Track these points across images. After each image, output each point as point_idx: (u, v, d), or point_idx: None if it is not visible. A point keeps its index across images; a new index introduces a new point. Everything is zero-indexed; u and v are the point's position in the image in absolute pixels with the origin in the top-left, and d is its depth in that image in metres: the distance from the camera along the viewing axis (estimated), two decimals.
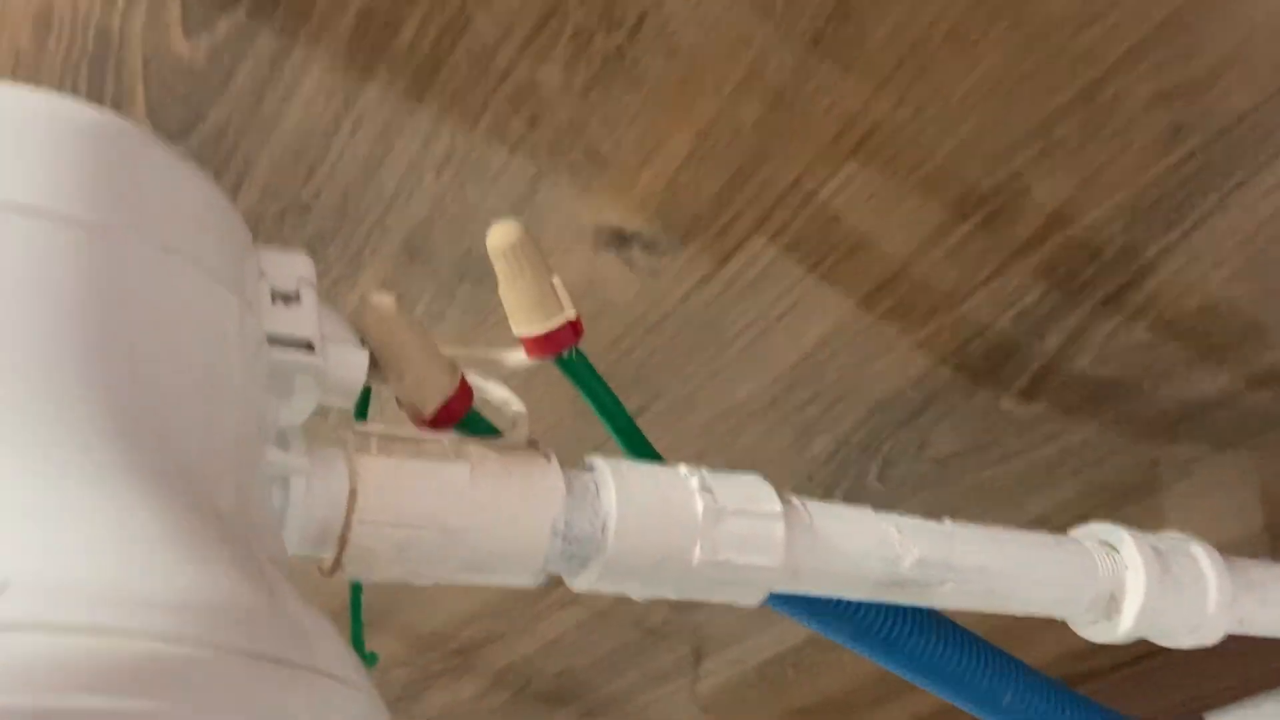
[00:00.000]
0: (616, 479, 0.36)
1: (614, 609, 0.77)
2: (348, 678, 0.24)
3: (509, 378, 0.40)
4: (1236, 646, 0.76)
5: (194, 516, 0.24)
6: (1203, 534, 0.50)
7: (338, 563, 0.32)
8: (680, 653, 0.83)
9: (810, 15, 0.38)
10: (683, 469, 0.38)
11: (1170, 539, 0.48)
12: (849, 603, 0.45)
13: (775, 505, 0.38)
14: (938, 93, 0.40)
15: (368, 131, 0.42)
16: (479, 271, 0.49)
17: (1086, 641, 0.79)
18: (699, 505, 0.37)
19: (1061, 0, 0.37)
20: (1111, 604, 0.46)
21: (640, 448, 0.41)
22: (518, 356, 0.39)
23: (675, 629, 0.80)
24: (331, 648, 0.24)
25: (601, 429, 0.58)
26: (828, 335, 0.52)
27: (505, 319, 0.51)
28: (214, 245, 0.29)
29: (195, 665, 0.21)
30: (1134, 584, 0.45)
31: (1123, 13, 0.38)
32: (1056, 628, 0.76)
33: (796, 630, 0.80)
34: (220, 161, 0.44)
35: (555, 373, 0.54)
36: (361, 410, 0.38)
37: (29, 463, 0.22)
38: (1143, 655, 0.78)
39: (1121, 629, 0.46)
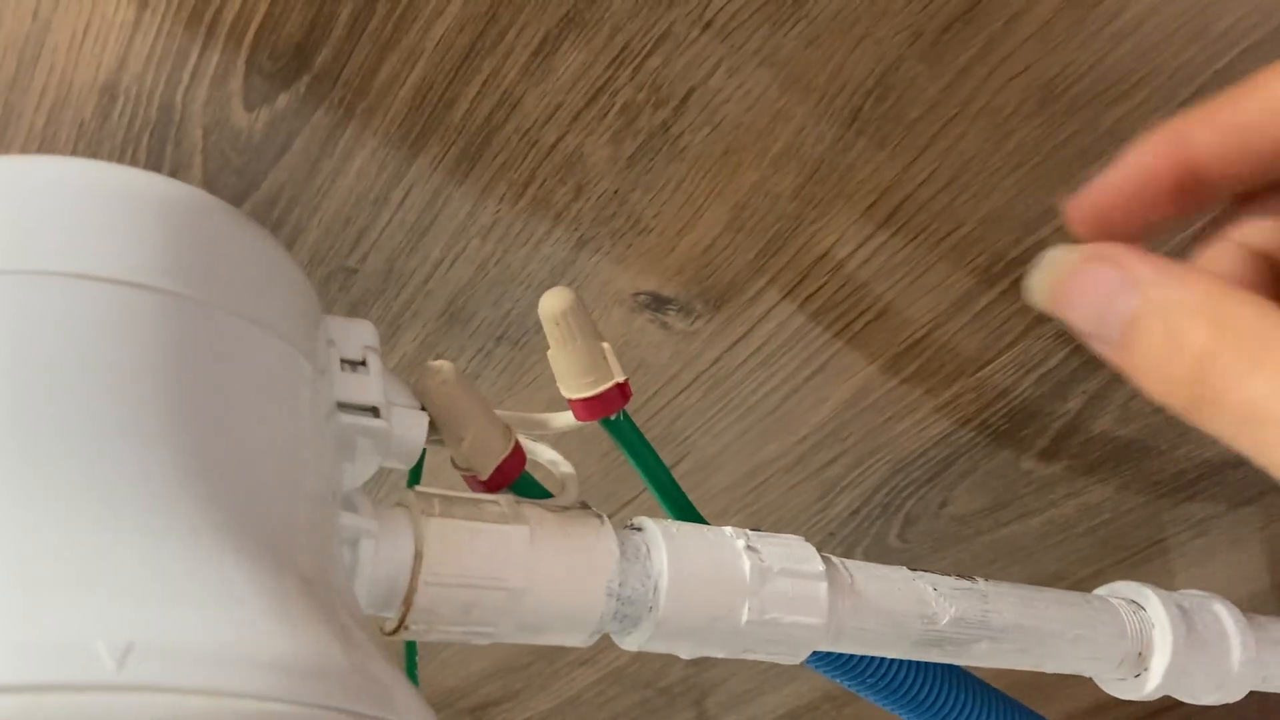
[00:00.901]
0: (667, 540, 0.37)
1: (628, 668, 0.78)
2: None
3: (552, 440, 0.41)
4: (1257, 702, 0.77)
5: (284, 579, 0.25)
6: (1217, 591, 0.51)
7: (402, 623, 0.33)
8: (693, 713, 0.83)
9: (850, 92, 0.40)
10: (728, 530, 0.39)
11: (1193, 596, 0.49)
12: (880, 660, 0.46)
13: (819, 565, 0.39)
14: (969, 165, 0.42)
15: (416, 200, 0.44)
16: (517, 333, 0.50)
17: (1107, 695, 0.79)
18: (746, 565, 0.38)
19: (1090, 80, 0.39)
20: (1139, 662, 0.47)
21: (684, 509, 0.42)
22: (565, 418, 0.40)
23: (688, 688, 0.80)
24: (412, 702, 0.25)
25: (630, 487, 0.59)
26: (853, 397, 0.53)
27: (540, 380, 0.53)
28: (291, 315, 0.31)
29: None
30: (1161, 642, 0.46)
31: (1149, 91, 0.39)
32: (1077, 681, 0.76)
33: (808, 689, 0.80)
34: (271, 227, 0.45)
35: (584, 432, 0.56)
36: (415, 474, 0.38)
37: (139, 531, 0.23)
38: (1161, 709, 0.79)
39: (1149, 686, 0.47)
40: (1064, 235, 0.45)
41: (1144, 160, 0.25)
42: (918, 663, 0.47)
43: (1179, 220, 0.25)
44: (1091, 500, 0.59)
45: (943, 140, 0.41)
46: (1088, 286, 0.24)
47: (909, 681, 0.47)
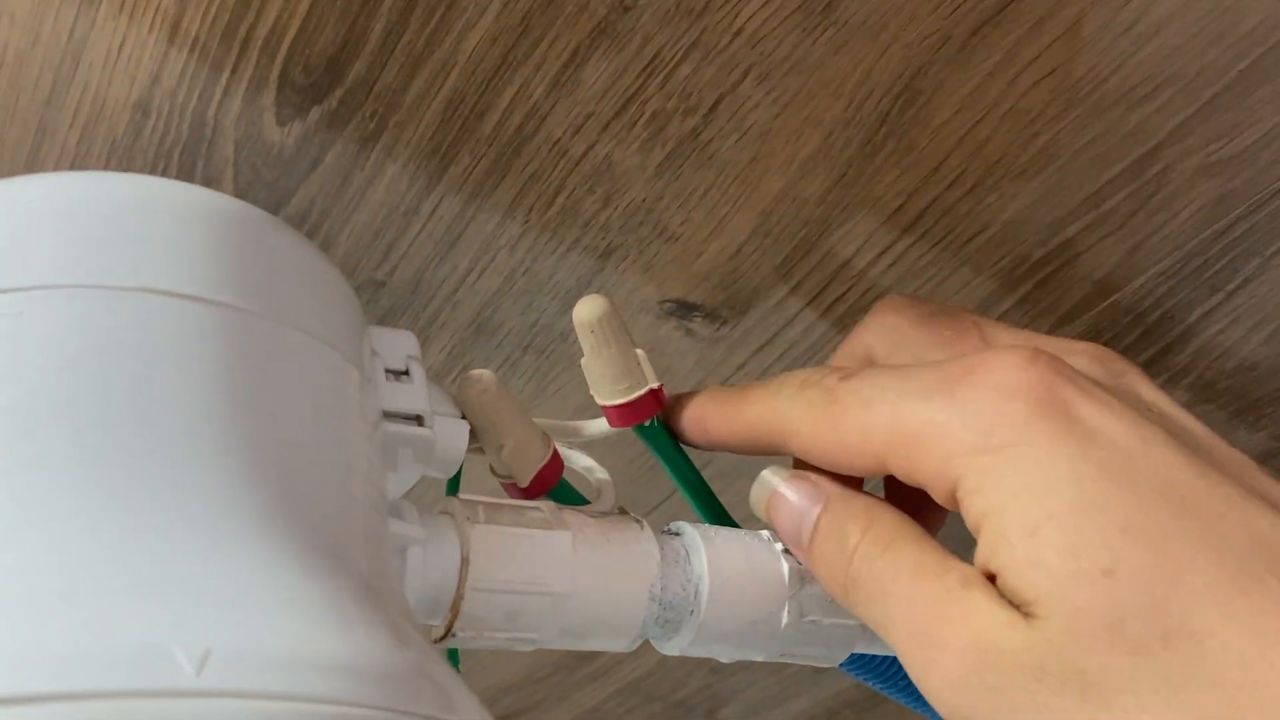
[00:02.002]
0: (705, 543, 0.37)
1: (647, 679, 0.78)
2: None
3: (584, 447, 0.41)
4: None
5: (344, 585, 0.25)
6: None
7: (449, 630, 0.33)
8: None
9: (878, 97, 0.40)
10: (765, 533, 0.39)
11: None
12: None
13: None
14: (995, 168, 0.42)
15: (446, 212, 0.44)
16: (544, 342, 0.50)
17: None
18: (785, 568, 0.38)
19: (1115, 81, 0.40)
20: None
21: (718, 515, 0.42)
22: (599, 425, 0.41)
23: (707, 698, 0.80)
24: (470, 704, 0.26)
25: (654, 493, 0.59)
26: None
27: (567, 389, 0.53)
28: (339, 325, 0.31)
29: None
30: None
31: (1173, 92, 0.40)
32: None
33: (829, 695, 0.80)
34: None
35: (607, 439, 0.56)
36: (454, 483, 0.39)
37: (204, 538, 0.24)
38: None
39: None
40: (1089, 235, 0.45)
41: None
42: None
43: None
44: None
45: (969, 143, 0.41)
46: (788, 503, 0.33)
47: None
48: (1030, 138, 0.41)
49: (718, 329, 0.50)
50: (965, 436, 0.27)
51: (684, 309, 0.49)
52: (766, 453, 0.35)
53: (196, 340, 0.27)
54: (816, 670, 0.75)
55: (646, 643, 0.78)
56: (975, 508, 0.27)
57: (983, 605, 0.26)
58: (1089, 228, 0.45)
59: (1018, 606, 0.26)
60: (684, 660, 0.75)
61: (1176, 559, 0.24)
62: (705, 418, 0.36)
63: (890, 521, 0.30)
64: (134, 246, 0.27)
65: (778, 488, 0.34)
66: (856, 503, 0.31)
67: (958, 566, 0.28)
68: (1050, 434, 0.26)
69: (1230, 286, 0.47)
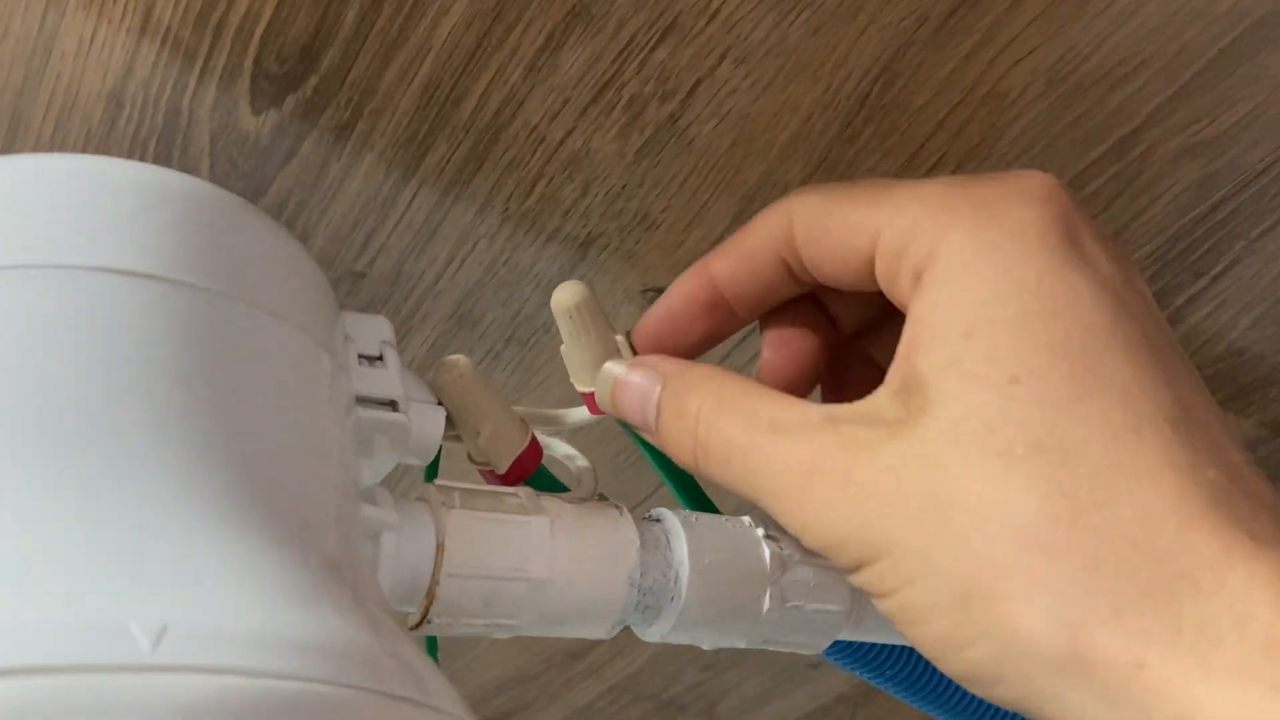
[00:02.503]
0: (686, 529, 0.37)
1: (639, 676, 0.78)
2: (461, 713, 0.25)
3: (566, 437, 0.41)
4: None
5: (312, 566, 0.25)
6: None
7: (425, 617, 0.33)
8: None
9: (856, 79, 0.40)
10: (747, 519, 0.39)
11: None
12: (901, 651, 0.46)
13: None
14: (976, 151, 0.42)
15: (424, 201, 0.44)
16: (526, 333, 0.50)
17: None
18: (766, 554, 0.38)
19: (1095, 62, 0.39)
20: None
21: (700, 502, 0.41)
22: (580, 414, 0.40)
23: (700, 695, 0.80)
24: (443, 687, 0.25)
25: (641, 488, 0.59)
26: None
27: (550, 380, 0.53)
28: (310, 308, 0.31)
29: (342, 705, 0.21)
30: None
31: (1153, 72, 0.40)
32: None
33: (823, 691, 0.80)
34: None
35: (595, 433, 0.55)
36: (432, 471, 0.38)
37: (166, 518, 0.23)
38: None
39: None
40: None
41: (683, 289, 0.32)
42: None
43: (718, 335, 0.33)
44: None
45: (950, 125, 0.41)
46: (630, 389, 0.32)
47: (930, 672, 0.47)
48: (1011, 120, 0.41)
49: None
50: (967, 217, 0.25)
51: None
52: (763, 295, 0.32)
53: (157, 320, 0.26)
54: (810, 665, 0.75)
55: (637, 640, 0.77)
56: (930, 298, 0.25)
57: (845, 426, 0.25)
58: None
59: (908, 410, 0.25)
60: (676, 657, 0.74)
61: (1083, 389, 0.23)
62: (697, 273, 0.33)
63: (728, 382, 0.29)
64: (91, 225, 0.27)
65: (618, 375, 0.33)
66: (693, 374, 0.30)
67: (801, 404, 0.27)
68: (1054, 250, 0.24)
69: (1215, 270, 0.47)
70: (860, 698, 0.78)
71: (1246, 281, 0.47)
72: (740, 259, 0.31)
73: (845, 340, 0.34)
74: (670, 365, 0.31)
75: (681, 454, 0.31)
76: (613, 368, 0.33)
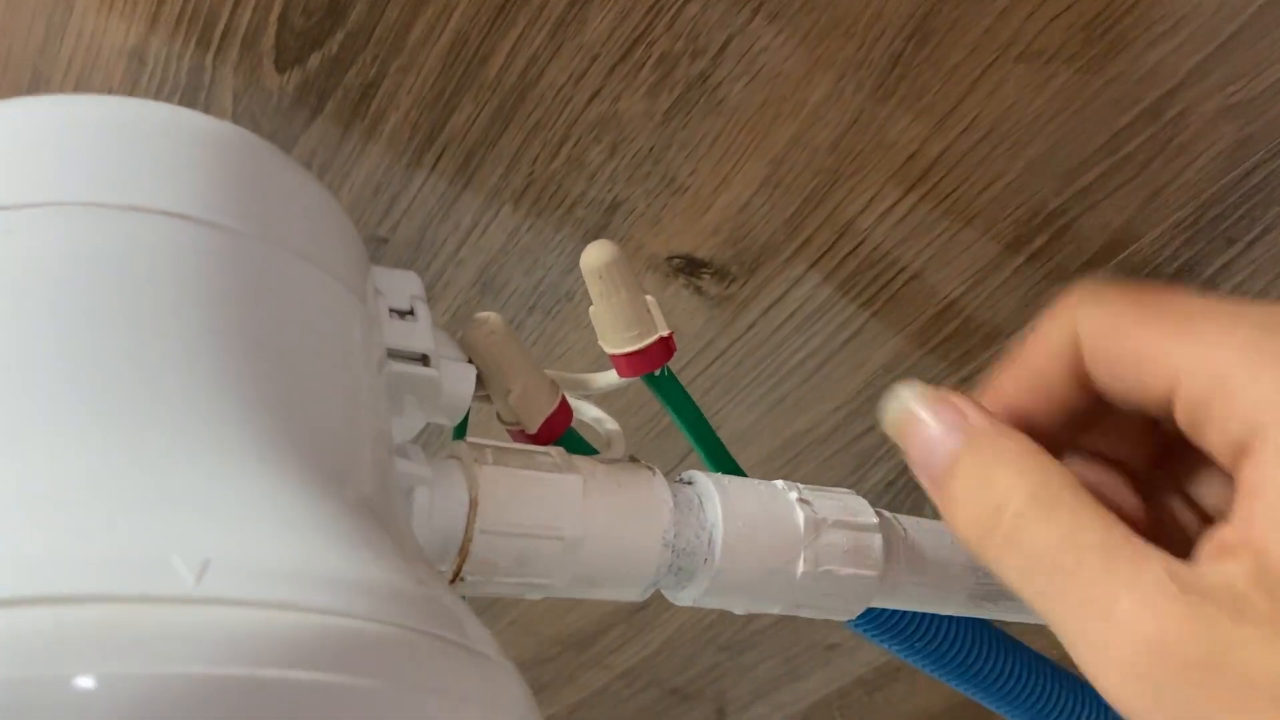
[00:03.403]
0: (719, 491, 0.37)
1: (656, 658, 0.77)
2: (498, 658, 0.24)
3: (594, 401, 0.41)
4: None
5: (351, 509, 0.24)
6: None
7: (458, 574, 0.32)
8: (721, 702, 0.82)
9: (890, 37, 0.39)
10: (780, 483, 0.38)
11: None
12: (930, 623, 0.45)
13: (872, 517, 0.39)
14: (1010, 113, 0.41)
15: (449, 163, 0.43)
16: (548, 303, 0.49)
17: None
18: (800, 517, 0.37)
19: (1132, 19, 0.39)
20: None
21: (728, 467, 0.41)
22: (608, 377, 0.40)
23: (717, 677, 0.79)
24: (480, 631, 0.25)
25: (669, 457, 0.58)
26: (889, 362, 0.53)
27: (574, 350, 0.52)
28: (340, 255, 0.30)
29: (388, 642, 0.21)
30: None
31: (1191, 30, 0.39)
32: None
33: (839, 675, 0.79)
34: None
35: (620, 403, 0.55)
36: (460, 431, 0.38)
37: (207, 454, 0.23)
38: None
39: None
40: (1105, 184, 0.44)
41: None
42: (967, 626, 0.46)
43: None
44: None
45: (983, 86, 0.41)
46: (923, 430, 0.28)
47: (959, 646, 0.46)
48: (1046, 80, 0.41)
49: (726, 287, 0.49)
50: None
51: (692, 265, 0.48)
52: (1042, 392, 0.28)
53: (191, 260, 0.26)
54: (826, 648, 0.74)
55: (653, 623, 0.77)
56: (1270, 475, 0.23)
57: (1204, 605, 0.23)
58: (1106, 175, 0.44)
59: (1273, 604, 0.22)
60: (692, 640, 0.74)
61: None
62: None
63: (1052, 474, 0.25)
64: (126, 165, 0.26)
65: (915, 409, 0.28)
66: (1007, 444, 0.26)
67: (1133, 541, 0.24)
68: None
69: (1249, 237, 0.46)
70: (877, 680, 0.78)
71: None
72: (1031, 383, 0.28)
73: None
74: (981, 420, 0.27)
75: (968, 530, 0.26)
76: (909, 397, 0.29)
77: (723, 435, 0.56)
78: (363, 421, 0.28)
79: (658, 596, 0.73)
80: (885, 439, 0.57)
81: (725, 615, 0.70)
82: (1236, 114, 0.42)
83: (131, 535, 0.20)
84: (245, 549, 0.21)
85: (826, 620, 0.69)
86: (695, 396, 0.54)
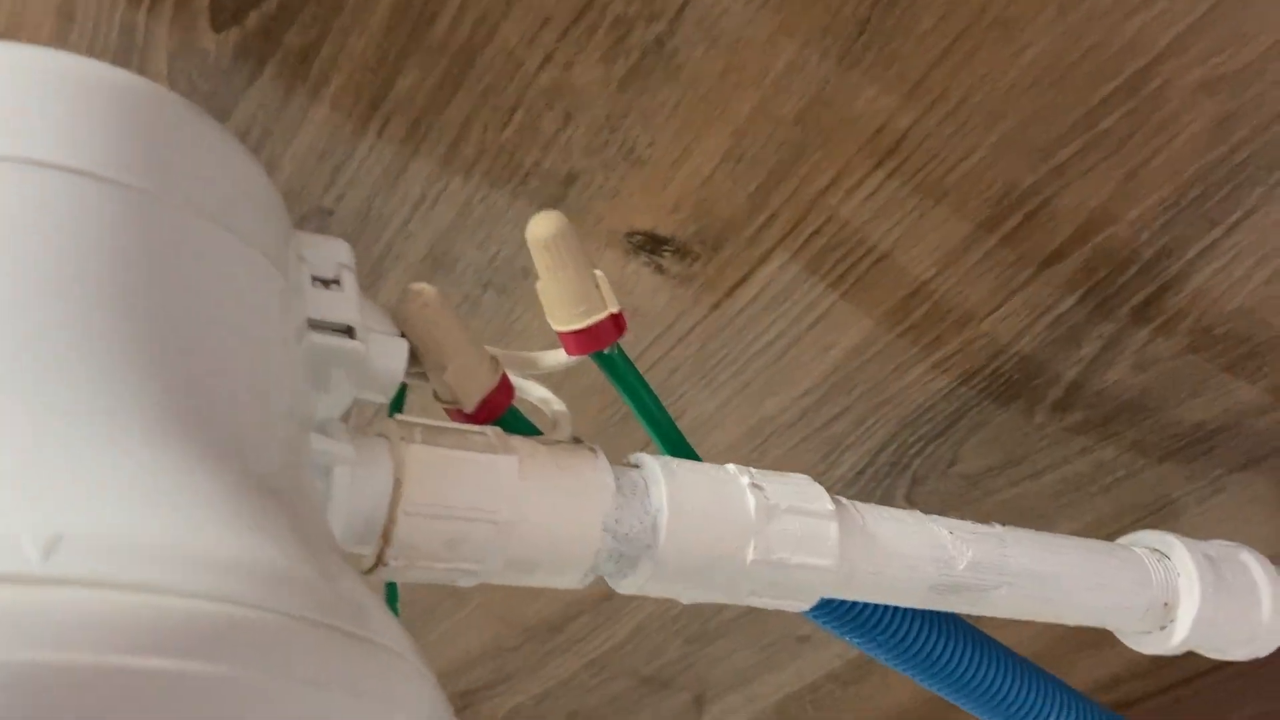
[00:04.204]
0: (666, 475, 0.35)
1: (622, 648, 0.75)
2: (404, 652, 0.22)
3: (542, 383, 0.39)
4: (1267, 676, 0.74)
5: (246, 488, 0.23)
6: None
7: (380, 559, 0.31)
8: (689, 695, 0.81)
9: (856, 2, 0.37)
10: (731, 467, 0.37)
11: (1220, 546, 0.47)
12: (891, 614, 0.43)
13: (828, 504, 0.37)
14: (982, 83, 0.40)
15: (396, 131, 0.41)
16: (503, 279, 0.47)
17: (1114, 672, 0.77)
18: (751, 502, 0.35)
19: None
20: (1165, 613, 0.44)
21: (681, 449, 0.39)
22: (556, 356, 0.38)
23: (684, 668, 0.78)
24: (387, 622, 0.23)
25: (624, 448, 0.56)
26: (858, 346, 0.51)
27: (530, 330, 0.50)
28: (256, 219, 0.28)
29: (263, 629, 0.19)
30: (1188, 591, 0.44)
31: None
32: (1082, 658, 0.74)
33: (811, 668, 0.78)
34: None
35: (574, 391, 0.53)
36: (395, 410, 0.36)
37: (74, 422, 0.21)
38: (1170, 686, 0.77)
39: (1176, 639, 0.44)
40: (1082, 161, 0.43)
41: None
42: (931, 620, 0.45)
43: None
44: (1105, 457, 0.56)
45: (954, 54, 0.39)
46: None
47: (922, 638, 0.44)
48: (1020, 49, 0.39)
49: (689, 266, 0.47)
50: None
51: (653, 243, 0.46)
52: None
53: (81, 217, 0.24)
54: (797, 639, 0.72)
55: (620, 612, 0.75)
56: None
57: None
58: (1082, 151, 0.42)
59: None
60: (661, 629, 0.72)
61: None
62: None
63: None
64: (14, 114, 0.25)
65: None
66: None
67: None
68: None
69: (1231, 219, 0.44)
70: (850, 674, 0.76)
71: (1264, 232, 0.45)
72: None
73: None
74: None
75: None
76: None
77: (687, 421, 0.55)
78: (270, 395, 0.26)
79: None
80: (855, 425, 0.55)
81: (693, 605, 0.68)
82: (1219, 88, 0.40)
83: None
84: (107, 525, 0.19)
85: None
86: (658, 381, 0.52)
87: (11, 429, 0.20)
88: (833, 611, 0.42)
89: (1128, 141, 0.41)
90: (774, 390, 0.53)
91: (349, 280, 0.31)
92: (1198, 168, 0.42)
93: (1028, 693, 0.47)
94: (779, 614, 0.69)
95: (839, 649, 0.73)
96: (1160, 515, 0.60)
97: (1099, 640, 0.72)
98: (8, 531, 0.18)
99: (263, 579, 0.20)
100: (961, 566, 0.39)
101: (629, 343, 0.49)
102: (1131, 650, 0.71)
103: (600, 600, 0.70)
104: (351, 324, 0.31)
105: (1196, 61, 0.39)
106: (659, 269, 0.47)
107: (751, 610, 0.70)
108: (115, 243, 0.24)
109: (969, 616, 0.62)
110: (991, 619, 0.46)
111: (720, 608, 0.69)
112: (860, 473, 0.58)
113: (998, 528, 0.41)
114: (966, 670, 0.46)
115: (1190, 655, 0.75)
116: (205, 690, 0.18)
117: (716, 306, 0.49)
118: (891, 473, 0.58)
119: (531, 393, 0.38)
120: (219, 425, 0.23)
